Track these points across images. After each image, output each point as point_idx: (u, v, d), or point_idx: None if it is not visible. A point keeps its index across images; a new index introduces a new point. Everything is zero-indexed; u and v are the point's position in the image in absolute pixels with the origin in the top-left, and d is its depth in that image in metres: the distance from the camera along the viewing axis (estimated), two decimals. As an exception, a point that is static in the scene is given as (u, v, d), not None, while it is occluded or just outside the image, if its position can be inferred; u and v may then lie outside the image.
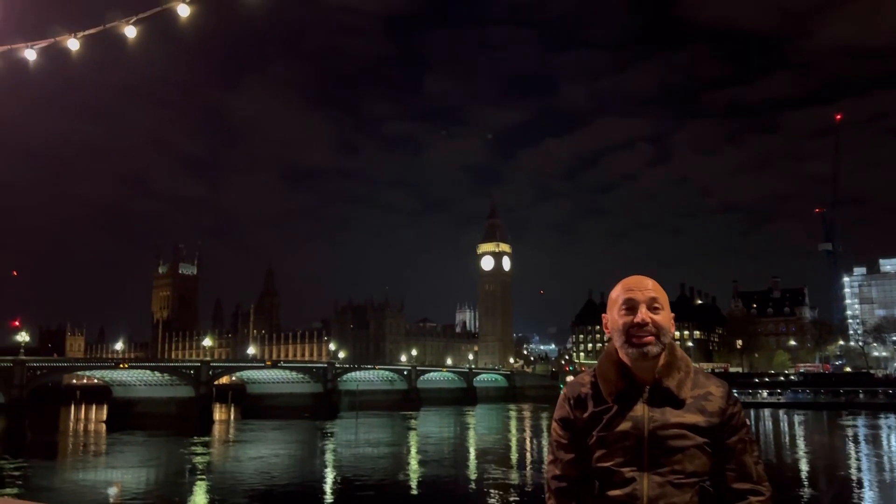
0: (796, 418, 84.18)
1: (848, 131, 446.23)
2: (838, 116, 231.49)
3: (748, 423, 2.50)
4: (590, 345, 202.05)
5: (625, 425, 2.40)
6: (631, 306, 2.46)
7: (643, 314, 2.43)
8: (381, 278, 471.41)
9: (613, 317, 2.52)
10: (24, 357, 75.15)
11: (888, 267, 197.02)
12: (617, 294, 2.53)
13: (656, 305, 2.46)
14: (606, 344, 2.61)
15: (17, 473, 42.39)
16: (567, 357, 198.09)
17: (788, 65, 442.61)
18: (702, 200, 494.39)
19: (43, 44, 5.21)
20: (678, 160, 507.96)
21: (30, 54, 5.29)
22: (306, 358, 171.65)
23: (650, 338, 2.41)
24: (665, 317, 2.47)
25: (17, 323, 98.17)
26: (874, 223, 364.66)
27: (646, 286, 2.49)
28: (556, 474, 2.56)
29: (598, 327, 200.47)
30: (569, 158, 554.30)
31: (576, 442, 2.51)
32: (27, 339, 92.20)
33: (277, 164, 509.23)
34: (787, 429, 74.64)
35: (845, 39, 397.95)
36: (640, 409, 2.41)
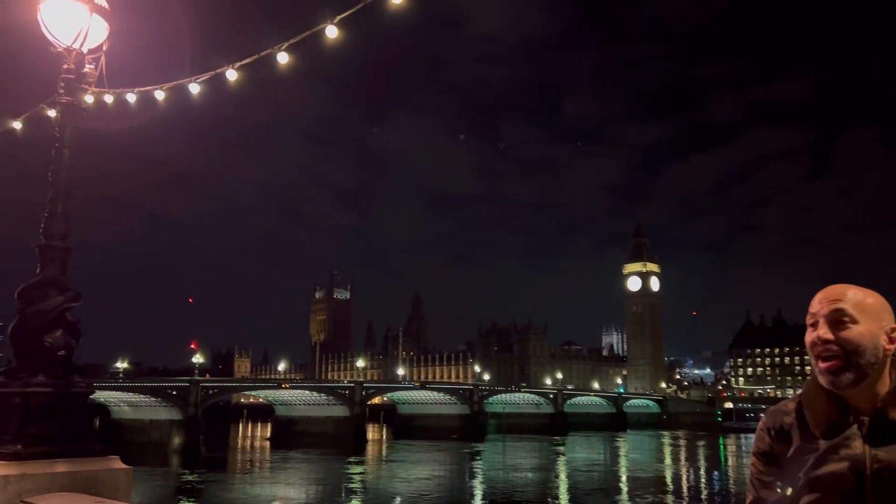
0: None
1: None
2: None
3: None
4: (749, 370, 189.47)
5: (840, 466, 1.88)
6: (813, 322, 1.99)
7: (819, 331, 1.95)
8: (524, 301, 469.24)
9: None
10: (198, 378, 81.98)
11: None
12: (810, 306, 2.05)
13: (844, 318, 1.93)
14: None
15: (193, 485, 46.14)
16: (724, 382, 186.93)
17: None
18: (870, 213, 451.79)
19: (205, 76, 5.82)
20: (840, 171, 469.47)
21: (193, 88, 5.90)
22: (452, 379, 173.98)
23: (833, 362, 1.92)
24: (862, 331, 1.92)
25: (194, 346, 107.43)
26: None
27: (831, 295, 1.98)
28: None
29: (758, 351, 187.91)
30: (717, 173, 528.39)
31: (780, 481, 2.04)
32: (202, 360, 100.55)
33: (422, 191, 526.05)
34: None
35: None
36: (859, 447, 1.88)
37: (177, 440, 72.47)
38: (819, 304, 1.99)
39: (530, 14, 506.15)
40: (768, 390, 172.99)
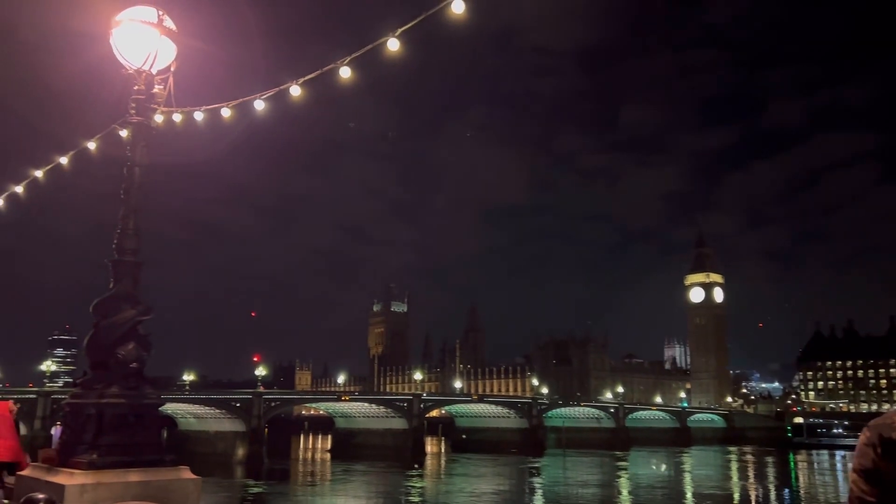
0: None
1: None
2: None
3: None
4: (820, 383, 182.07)
5: None
6: None
7: None
8: (582, 313, 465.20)
9: None
10: (261, 390, 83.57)
11: None
12: None
13: None
14: None
15: (257, 496, 46.94)
16: (794, 396, 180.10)
17: None
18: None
19: (270, 93, 5.92)
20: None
21: (258, 105, 6.01)
22: (510, 392, 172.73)
23: None
24: None
25: (257, 358, 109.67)
26: None
27: None
28: None
29: (829, 363, 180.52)
30: (781, 180, 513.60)
31: (887, 500, 1.82)
32: (264, 373, 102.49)
33: (476, 204, 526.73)
34: None
35: None
36: None
37: (240, 451, 73.89)
38: None
39: (584, 24, 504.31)
40: (841, 405, 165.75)
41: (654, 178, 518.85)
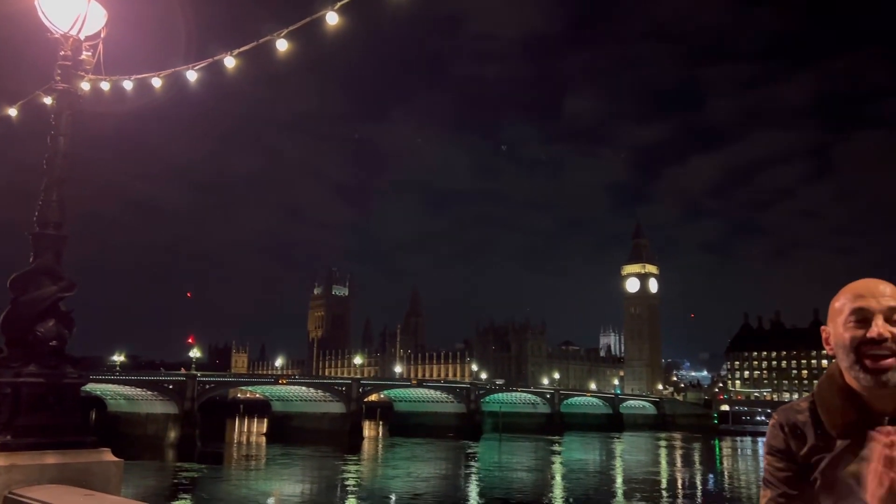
0: None
1: None
2: None
3: None
4: (746, 372, 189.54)
5: (857, 468, 1.82)
6: (862, 317, 1.86)
7: (880, 327, 1.83)
8: (522, 300, 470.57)
9: (838, 330, 1.93)
10: (195, 372, 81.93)
11: None
12: (842, 302, 1.93)
13: None
14: (829, 365, 2.03)
15: (189, 479, 46.10)
16: (721, 385, 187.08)
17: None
18: (871, 217, 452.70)
19: (203, 64, 5.71)
20: (841, 174, 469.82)
21: (191, 75, 5.78)
22: (449, 377, 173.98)
23: (891, 360, 1.81)
24: None
25: (191, 340, 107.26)
26: None
27: (883, 292, 1.88)
28: None
29: (755, 354, 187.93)
30: (717, 175, 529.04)
31: (798, 478, 1.94)
32: (199, 355, 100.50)
33: (421, 189, 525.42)
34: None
35: None
36: (880, 449, 1.83)
37: (173, 434, 72.41)
38: (871, 298, 1.89)
39: (530, 12, 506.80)
40: (765, 393, 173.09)
41: (595, 169, 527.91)
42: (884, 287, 1.91)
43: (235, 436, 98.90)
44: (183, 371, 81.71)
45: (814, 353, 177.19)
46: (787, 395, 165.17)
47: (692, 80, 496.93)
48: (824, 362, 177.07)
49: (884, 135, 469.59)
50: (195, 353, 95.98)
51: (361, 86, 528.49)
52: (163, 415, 75.32)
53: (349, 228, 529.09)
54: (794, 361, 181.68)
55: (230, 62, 5.40)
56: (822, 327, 2.03)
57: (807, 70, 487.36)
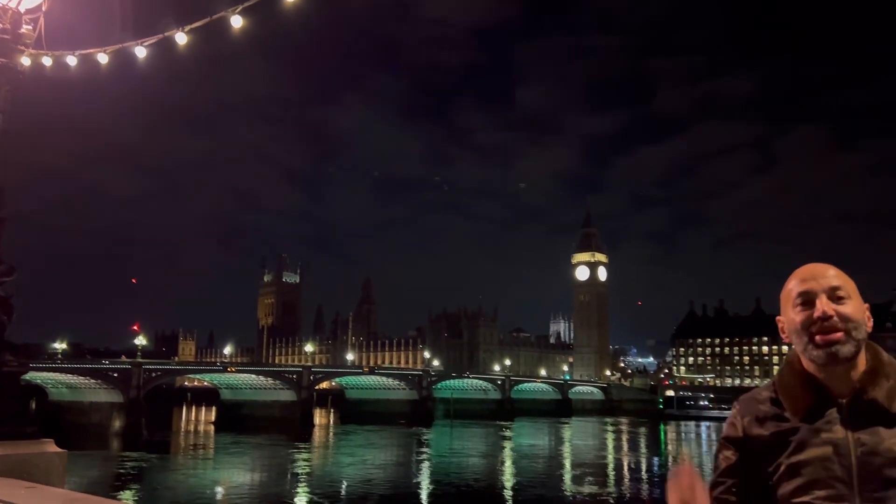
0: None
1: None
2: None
3: None
4: (691, 359, 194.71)
5: (823, 451, 1.87)
6: (808, 299, 1.96)
7: (824, 305, 1.92)
8: (474, 288, 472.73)
9: (789, 316, 2.00)
10: (141, 360, 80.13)
11: None
12: (790, 287, 2.02)
13: (841, 294, 1.94)
14: (788, 352, 2.09)
15: (134, 469, 45.14)
16: (667, 371, 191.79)
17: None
18: (812, 209, 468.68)
19: (153, 40, 5.48)
20: (784, 167, 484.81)
21: (140, 52, 5.54)
22: (401, 365, 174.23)
23: (838, 334, 1.88)
24: (855, 307, 1.94)
25: (136, 327, 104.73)
26: None
27: (824, 273, 1.98)
28: (718, 499, 2.01)
29: (699, 340, 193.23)
30: (666, 166, 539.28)
31: (748, 465, 2.00)
32: (145, 342, 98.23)
33: (373, 175, 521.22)
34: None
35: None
36: (841, 431, 1.87)
37: (118, 423, 70.82)
38: (812, 281, 1.98)
39: None
40: (708, 379, 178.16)
41: (547, 159, 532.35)
42: (825, 269, 2.00)
43: (183, 424, 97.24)
44: (124, 358, 79.78)
45: (755, 339, 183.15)
46: (729, 381, 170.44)
47: (642, 71, 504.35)
48: (765, 349, 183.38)
49: (823, 129, 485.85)
50: (141, 340, 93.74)
51: (313, 69, 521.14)
52: (107, 403, 73.57)
53: (300, 214, 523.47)
54: (736, 348, 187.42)
55: (182, 38, 5.20)
56: (777, 318, 2.09)
57: (752, 64, 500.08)
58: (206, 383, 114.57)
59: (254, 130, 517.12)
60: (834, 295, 1.94)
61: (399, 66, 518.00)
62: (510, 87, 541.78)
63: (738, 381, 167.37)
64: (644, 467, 54.14)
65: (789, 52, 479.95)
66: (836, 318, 1.90)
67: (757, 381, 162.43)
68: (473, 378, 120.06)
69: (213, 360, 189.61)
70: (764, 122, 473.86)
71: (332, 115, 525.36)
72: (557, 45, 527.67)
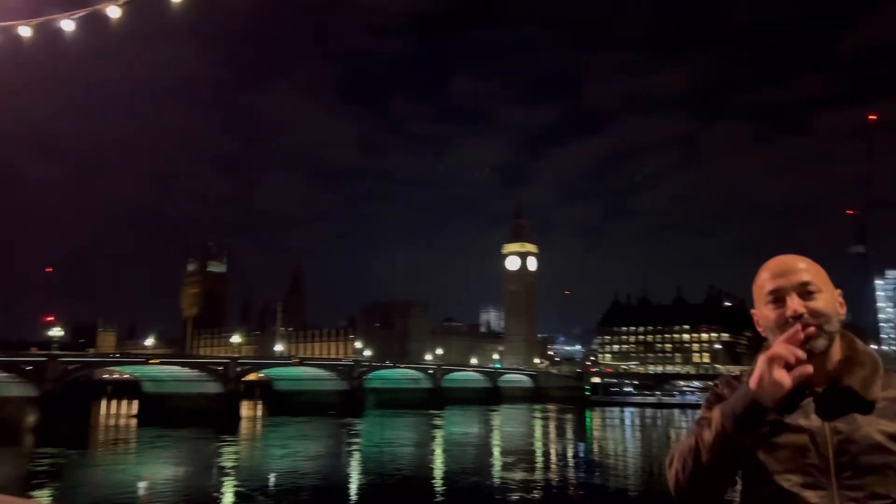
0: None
1: (882, 133, 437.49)
2: (872, 117, 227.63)
3: None
4: (616, 346, 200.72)
5: (799, 439, 1.88)
6: (779, 297, 1.95)
7: (795, 305, 1.90)
8: (406, 278, 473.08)
9: (763, 312, 2.00)
10: (57, 352, 76.74)
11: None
12: (761, 282, 2.01)
13: (811, 289, 1.92)
14: (764, 343, 2.03)
15: (49, 465, 43.31)
16: (593, 358, 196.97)
17: (821, 65, 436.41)
18: (731, 202, 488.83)
19: (82, 13, 5.19)
20: (707, 161, 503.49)
21: (67, 26, 5.21)
22: (332, 356, 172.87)
23: (811, 329, 1.86)
24: (826, 300, 1.93)
25: (50, 318, 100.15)
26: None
27: (793, 268, 1.96)
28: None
29: (624, 329, 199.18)
30: (596, 159, 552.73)
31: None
32: (60, 334, 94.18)
33: (305, 163, 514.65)
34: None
35: (880, 39, 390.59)
36: (817, 420, 1.88)
37: (31, 418, 67.71)
38: (782, 277, 1.96)
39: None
40: (632, 366, 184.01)
41: (481, 150, 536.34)
42: (794, 263, 1.99)
43: (103, 418, 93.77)
44: (35, 350, 76.29)
45: (677, 328, 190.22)
46: (652, 368, 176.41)
47: (575, 65, 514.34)
48: (686, 336, 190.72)
49: (745, 125, 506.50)
50: (57, 331, 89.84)
51: (243, 53, 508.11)
52: (20, 397, 70.11)
53: (228, 201, 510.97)
54: (659, 336, 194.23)
55: (114, 12, 4.97)
56: (752, 311, 2.10)
57: (680, 61, 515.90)
58: (127, 376, 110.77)
59: (179, 114, 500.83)
60: (804, 290, 1.93)
61: (333, 52, 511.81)
62: (445, 78, 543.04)
63: (660, 368, 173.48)
64: (571, 453, 55.53)
65: (714, 49, 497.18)
66: (807, 316, 1.89)
67: (678, 368, 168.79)
68: (405, 368, 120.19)
69: (134, 351, 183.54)
70: (689, 117, 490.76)
71: (263, 101, 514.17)
72: (493, 37, 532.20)
